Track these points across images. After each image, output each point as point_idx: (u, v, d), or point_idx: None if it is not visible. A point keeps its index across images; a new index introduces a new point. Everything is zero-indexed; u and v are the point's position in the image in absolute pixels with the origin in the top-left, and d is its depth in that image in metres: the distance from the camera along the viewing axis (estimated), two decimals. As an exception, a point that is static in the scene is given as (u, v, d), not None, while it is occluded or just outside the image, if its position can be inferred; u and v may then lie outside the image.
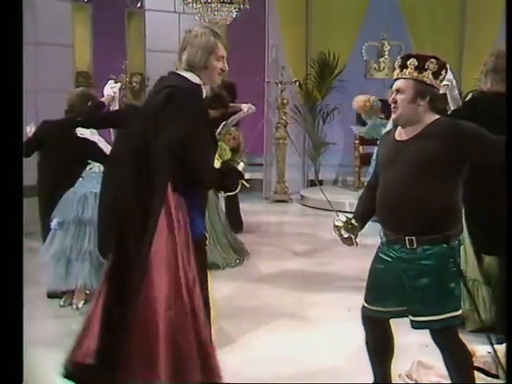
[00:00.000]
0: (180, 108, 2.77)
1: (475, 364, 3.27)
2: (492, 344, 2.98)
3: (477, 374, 3.26)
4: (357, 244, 3.04)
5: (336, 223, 3.03)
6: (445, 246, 2.79)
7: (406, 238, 2.83)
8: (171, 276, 2.81)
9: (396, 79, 2.91)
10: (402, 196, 2.83)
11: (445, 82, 4.00)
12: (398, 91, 2.88)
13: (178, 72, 2.95)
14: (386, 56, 9.80)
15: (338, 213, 3.06)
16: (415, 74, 2.84)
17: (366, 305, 3.03)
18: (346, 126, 10.43)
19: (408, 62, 2.85)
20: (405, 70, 2.87)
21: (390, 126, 7.38)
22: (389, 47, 9.79)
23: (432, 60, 2.85)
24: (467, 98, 4.31)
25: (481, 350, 3.35)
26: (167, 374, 2.76)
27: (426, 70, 2.84)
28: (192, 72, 2.92)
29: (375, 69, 9.91)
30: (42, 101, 7.81)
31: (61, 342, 4.11)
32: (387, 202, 2.91)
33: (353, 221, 3.04)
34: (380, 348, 3.08)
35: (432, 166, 2.78)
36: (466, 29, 10.07)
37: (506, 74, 3.06)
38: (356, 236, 3.04)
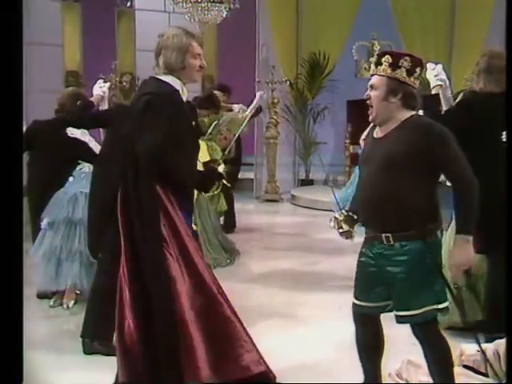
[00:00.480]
0: (158, 115, 2.83)
1: (465, 363, 3.30)
2: (479, 343, 2.98)
3: (466, 372, 3.29)
4: (353, 237, 3.12)
5: (338, 217, 3.09)
6: (421, 241, 2.83)
7: (383, 235, 2.89)
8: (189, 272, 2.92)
9: (372, 75, 2.97)
10: (374, 194, 2.89)
11: (438, 82, 4.03)
12: (372, 87, 2.94)
13: (158, 77, 2.97)
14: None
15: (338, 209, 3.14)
16: (389, 71, 2.88)
17: (355, 301, 3.07)
18: (337, 126, 10.46)
19: (382, 60, 2.90)
20: (379, 67, 2.91)
21: None
22: (379, 47, 9.79)
23: (406, 58, 2.88)
24: (459, 98, 4.33)
25: (469, 348, 3.37)
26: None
27: (399, 67, 2.87)
28: (171, 75, 2.95)
29: (365, 69, 9.92)
30: (32, 100, 7.78)
31: (52, 343, 4.13)
32: (363, 199, 2.99)
33: (351, 214, 3.10)
34: (370, 345, 3.10)
35: (398, 164, 2.81)
36: (455, 29, 10.11)
37: (506, 74, 3.06)
38: (353, 229, 3.12)
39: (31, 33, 8.21)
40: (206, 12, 8.41)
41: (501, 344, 3.17)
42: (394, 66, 2.87)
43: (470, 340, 3.37)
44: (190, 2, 8.38)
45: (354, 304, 3.08)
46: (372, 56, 9.91)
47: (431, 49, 9.42)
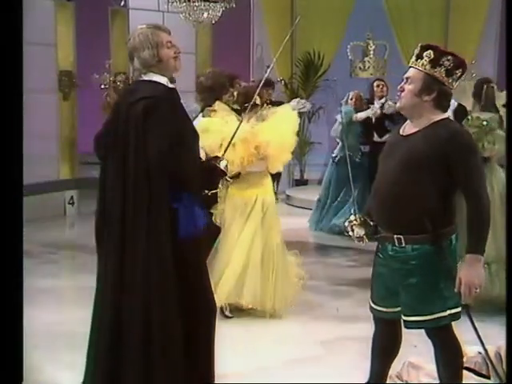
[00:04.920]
0: (162, 119, 2.80)
1: (466, 364, 3.28)
2: (483, 345, 2.96)
3: (468, 373, 3.28)
4: (366, 242, 3.03)
5: (353, 221, 3.01)
6: (433, 245, 2.76)
7: (395, 236, 2.82)
8: None
9: (410, 67, 2.86)
10: (390, 193, 2.81)
11: None
12: (407, 79, 2.83)
13: (148, 78, 2.93)
14: (371, 55, 9.83)
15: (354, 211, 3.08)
16: (428, 67, 2.78)
17: (371, 304, 3.02)
18: (332, 126, 10.44)
19: (424, 54, 2.78)
20: (419, 61, 2.80)
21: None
22: (374, 47, 9.82)
23: (449, 57, 2.78)
24: None
25: (471, 350, 3.35)
26: None
27: (440, 65, 2.76)
28: (152, 72, 2.92)
29: (360, 68, 9.94)
30: (26, 100, 7.72)
31: (52, 343, 4.10)
32: (377, 197, 2.90)
33: (366, 218, 3.02)
34: (384, 347, 3.05)
35: (418, 164, 2.74)
36: (449, 29, 10.15)
37: (506, 72, 3.03)
38: (367, 233, 3.01)
39: (24, 32, 8.14)
40: (201, 11, 8.37)
41: (503, 345, 3.15)
42: (435, 63, 2.76)
43: (472, 342, 3.36)
44: (184, 1, 8.33)
45: (370, 307, 3.03)
46: (367, 56, 9.99)
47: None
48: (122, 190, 2.83)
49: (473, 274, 2.69)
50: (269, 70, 3.45)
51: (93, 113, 8.95)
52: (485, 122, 4.64)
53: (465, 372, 3.27)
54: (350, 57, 9.99)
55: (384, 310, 2.96)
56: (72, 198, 8.66)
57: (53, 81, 8.60)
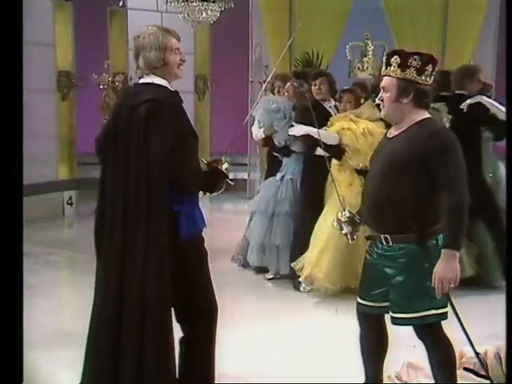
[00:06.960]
0: (165, 120, 2.81)
1: (465, 365, 3.28)
2: (473, 345, 2.95)
3: (467, 374, 3.28)
4: (353, 239, 3.10)
5: (340, 218, 3.07)
6: (419, 245, 2.80)
7: (382, 235, 2.88)
8: None
9: (383, 76, 2.94)
10: (375, 193, 2.88)
11: None
12: (383, 89, 2.92)
13: (150, 80, 2.93)
14: (370, 56, 9.84)
15: (345, 208, 3.12)
16: (398, 71, 2.85)
17: (359, 300, 3.06)
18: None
19: (391, 60, 2.87)
20: (389, 68, 2.88)
21: None
22: (372, 47, 9.82)
23: (415, 57, 2.84)
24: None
25: (470, 350, 3.34)
26: None
27: (408, 67, 2.83)
28: (154, 74, 2.93)
29: (359, 68, 9.94)
30: (24, 100, 7.70)
31: (52, 343, 4.10)
32: (365, 198, 2.98)
33: (356, 217, 3.07)
34: (373, 345, 3.08)
35: (401, 165, 2.80)
36: (448, 29, 10.14)
37: (506, 72, 3.04)
38: (356, 232, 3.09)
39: (23, 32, 8.12)
40: (199, 11, 8.37)
41: (502, 346, 3.15)
42: (404, 66, 2.83)
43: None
44: (183, 1, 8.33)
45: (358, 303, 3.07)
46: (365, 56, 9.99)
47: (424, 48, 9.44)
48: (123, 190, 2.84)
49: (447, 269, 2.73)
50: (270, 75, 3.48)
51: (92, 113, 8.95)
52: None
53: (464, 373, 3.29)
54: (348, 57, 9.99)
55: (371, 304, 3.00)
56: (70, 198, 8.66)
57: (51, 81, 8.59)
